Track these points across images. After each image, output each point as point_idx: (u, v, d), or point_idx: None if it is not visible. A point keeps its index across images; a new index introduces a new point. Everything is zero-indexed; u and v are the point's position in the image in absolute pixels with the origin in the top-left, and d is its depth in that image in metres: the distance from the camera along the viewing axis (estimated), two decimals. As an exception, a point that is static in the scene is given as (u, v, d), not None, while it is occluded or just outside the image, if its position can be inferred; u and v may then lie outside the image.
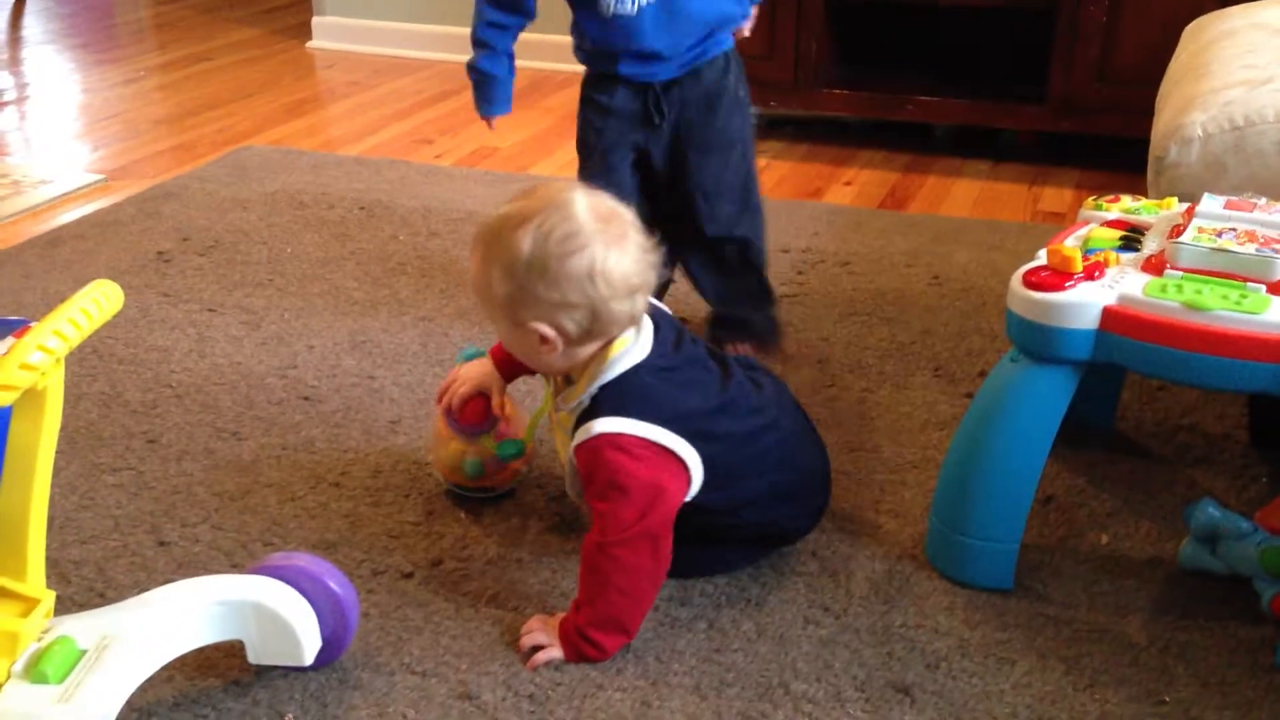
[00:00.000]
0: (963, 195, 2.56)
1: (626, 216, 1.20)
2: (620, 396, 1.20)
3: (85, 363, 1.81)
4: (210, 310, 2.00)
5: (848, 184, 2.63)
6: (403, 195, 2.52)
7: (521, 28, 1.73)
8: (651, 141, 1.71)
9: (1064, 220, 2.40)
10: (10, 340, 0.94)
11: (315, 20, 3.85)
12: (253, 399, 1.73)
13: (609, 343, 1.21)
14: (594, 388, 1.21)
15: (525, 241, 1.15)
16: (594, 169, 1.74)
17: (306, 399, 1.73)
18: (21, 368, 0.87)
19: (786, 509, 1.34)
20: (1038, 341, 1.22)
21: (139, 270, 2.16)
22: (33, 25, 4.25)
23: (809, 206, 2.47)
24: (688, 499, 1.23)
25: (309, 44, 3.86)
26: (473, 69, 1.75)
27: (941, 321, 1.95)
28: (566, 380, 1.27)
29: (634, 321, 1.21)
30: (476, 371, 1.43)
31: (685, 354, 1.27)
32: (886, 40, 3.02)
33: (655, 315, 1.27)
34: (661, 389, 1.22)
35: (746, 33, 1.78)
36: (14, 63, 3.79)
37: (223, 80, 3.49)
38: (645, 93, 1.68)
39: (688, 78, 1.68)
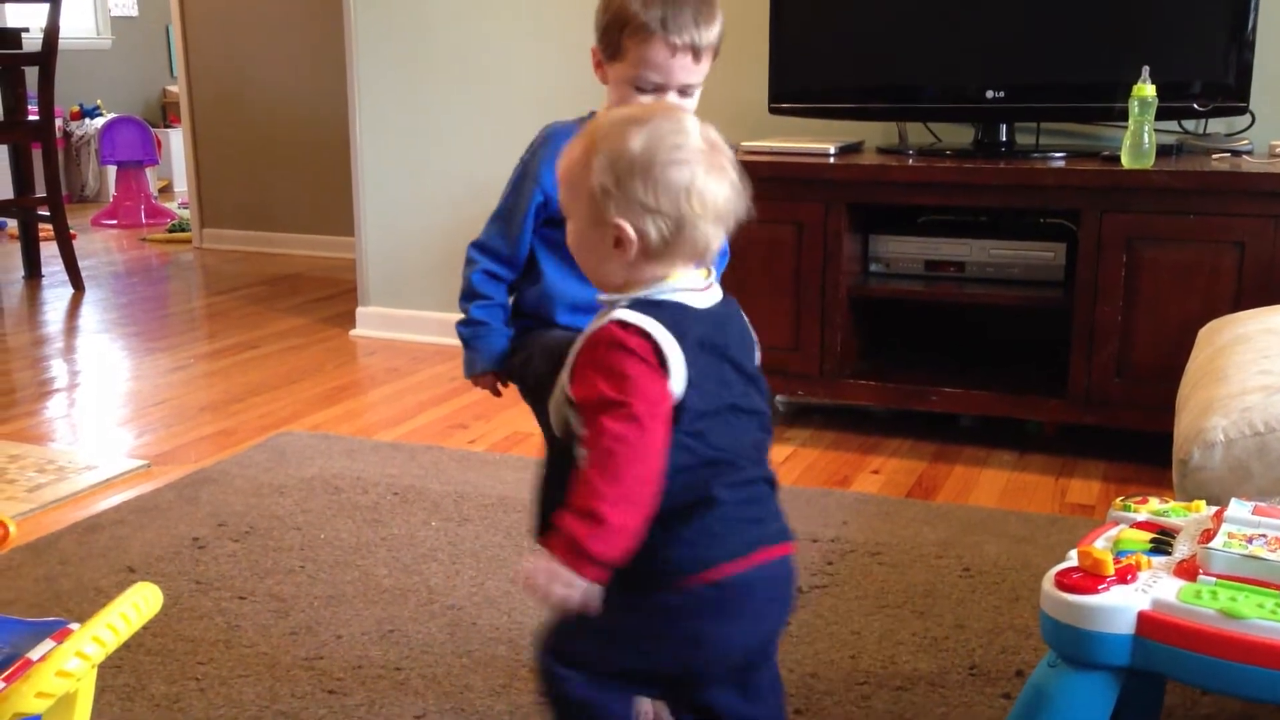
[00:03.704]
0: (990, 485, 2.57)
1: (729, 153, 1.24)
2: (646, 305, 1.21)
3: (112, 654, 1.80)
4: (240, 598, 2.00)
5: (875, 472, 2.66)
6: (435, 480, 2.56)
7: (512, 285, 1.67)
8: None
9: (1093, 513, 2.40)
10: (49, 644, 0.95)
11: (359, 310, 4.02)
12: (277, 692, 1.71)
13: (667, 274, 1.23)
14: (634, 296, 1.22)
15: (637, 139, 1.20)
16: None
17: (331, 692, 1.71)
18: (58, 675, 0.88)
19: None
20: (1073, 645, 1.20)
21: (173, 557, 2.18)
22: (89, 315, 4.45)
23: (836, 495, 2.49)
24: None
25: (352, 332, 4.02)
26: (466, 323, 1.66)
27: (974, 616, 1.93)
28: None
29: (708, 253, 1.24)
30: None
31: (722, 332, 1.25)
32: (909, 333, 3.12)
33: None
34: (685, 318, 1.21)
35: None
36: (68, 350, 3.96)
37: (268, 367, 3.61)
38: None
39: None
